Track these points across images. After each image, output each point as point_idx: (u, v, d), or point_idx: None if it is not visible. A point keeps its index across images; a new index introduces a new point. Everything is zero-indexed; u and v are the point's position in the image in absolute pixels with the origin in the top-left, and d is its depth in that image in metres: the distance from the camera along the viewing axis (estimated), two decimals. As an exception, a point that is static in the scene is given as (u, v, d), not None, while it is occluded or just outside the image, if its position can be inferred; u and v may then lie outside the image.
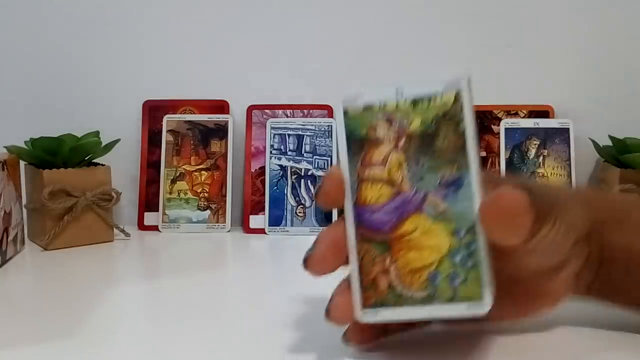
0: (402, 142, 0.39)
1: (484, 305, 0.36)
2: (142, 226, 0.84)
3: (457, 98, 0.38)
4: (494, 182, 0.40)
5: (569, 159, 0.84)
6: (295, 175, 0.83)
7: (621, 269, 0.43)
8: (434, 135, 0.38)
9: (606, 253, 0.43)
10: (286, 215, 0.82)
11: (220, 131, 0.85)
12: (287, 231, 0.82)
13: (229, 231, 0.83)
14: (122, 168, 0.85)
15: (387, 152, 0.39)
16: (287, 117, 0.86)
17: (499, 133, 0.85)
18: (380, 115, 0.39)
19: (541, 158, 0.84)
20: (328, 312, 0.40)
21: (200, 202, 0.83)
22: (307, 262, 0.40)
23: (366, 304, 0.39)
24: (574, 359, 0.43)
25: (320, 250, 0.40)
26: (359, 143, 0.40)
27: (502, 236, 0.36)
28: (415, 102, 0.39)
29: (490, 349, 0.44)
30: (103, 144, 0.77)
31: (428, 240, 0.38)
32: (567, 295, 0.44)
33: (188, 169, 0.84)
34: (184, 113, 0.87)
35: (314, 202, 0.82)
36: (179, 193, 0.84)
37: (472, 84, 0.38)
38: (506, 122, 0.85)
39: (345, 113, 0.40)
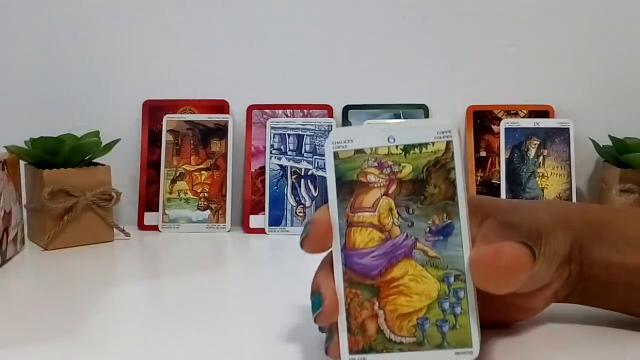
0: (392, 188, 0.39)
1: (473, 353, 0.37)
2: (142, 226, 0.84)
3: (448, 147, 0.39)
4: (480, 212, 0.41)
5: (569, 159, 0.84)
6: (295, 175, 0.83)
7: (600, 283, 0.44)
8: (425, 182, 0.39)
9: (586, 270, 0.43)
10: (286, 215, 0.82)
11: (220, 131, 0.85)
12: (287, 231, 0.82)
13: (229, 231, 0.83)
14: (122, 168, 0.85)
15: (378, 197, 0.39)
16: (287, 117, 0.86)
17: (499, 133, 0.85)
18: (372, 160, 0.39)
19: (541, 158, 0.84)
20: (327, 350, 0.40)
21: (200, 202, 0.83)
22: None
23: (354, 349, 0.39)
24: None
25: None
26: (349, 187, 0.40)
27: (494, 289, 0.37)
28: (406, 149, 0.39)
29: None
30: (103, 144, 0.77)
31: (417, 286, 0.38)
32: (546, 306, 0.46)
33: (188, 168, 0.84)
34: (184, 113, 0.87)
35: (313, 202, 0.82)
36: (179, 193, 0.84)
37: (461, 134, 0.38)
38: (506, 122, 0.85)
39: (336, 155, 0.40)
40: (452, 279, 0.38)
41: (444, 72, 0.88)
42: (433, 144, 0.39)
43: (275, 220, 0.82)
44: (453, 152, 0.38)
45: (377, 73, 0.88)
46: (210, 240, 0.79)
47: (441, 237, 0.38)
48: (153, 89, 0.88)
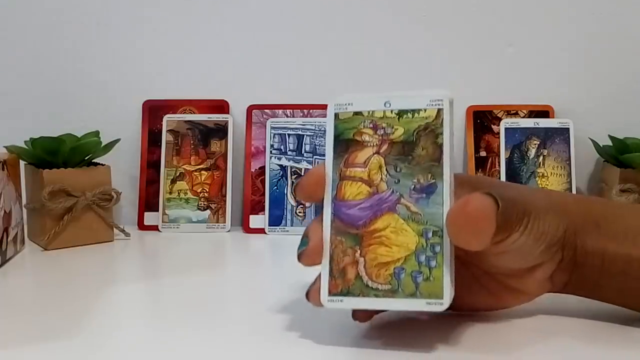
0: (384, 148, 0.42)
1: (443, 304, 0.39)
2: (142, 226, 0.84)
3: (439, 114, 0.42)
4: (470, 186, 0.42)
5: (569, 159, 0.84)
6: (295, 175, 0.83)
7: (595, 271, 0.44)
8: (414, 144, 0.42)
9: (580, 257, 0.44)
10: (286, 215, 0.82)
11: (220, 131, 0.85)
12: (287, 231, 0.82)
13: (229, 231, 0.83)
14: (122, 168, 0.85)
15: (370, 155, 0.43)
16: (287, 117, 0.86)
17: (499, 133, 0.85)
18: (368, 122, 0.43)
19: (541, 158, 0.84)
20: (308, 295, 0.43)
21: (200, 202, 0.83)
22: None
23: (333, 291, 0.42)
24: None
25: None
26: (345, 144, 0.43)
27: (464, 241, 0.39)
28: (400, 114, 0.43)
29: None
30: (103, 144, 0.77)
31: (397, 238, 0.41)
32: (542, 293, 0.46)
33: (188, 168, 0.84)
34: (184, 113, 0.87)
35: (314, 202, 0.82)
36: (179, 193, 0.84)
37: (453, 104, 0.41)
38: (506, 122, 0.85)
39: (336, 116, 0.44)
40: (430, 234, 0.40)
41: (444, 72, 0.88)
42: (425, 110, 0.42)
43: (275, 220, 0.82)
44: (443, 119, 0.41)
45: (377, 73, 0.88)
46: (210, 240, 0.79)
47: (424, 195, 0.41)
48: (153, 89, 0.88)
